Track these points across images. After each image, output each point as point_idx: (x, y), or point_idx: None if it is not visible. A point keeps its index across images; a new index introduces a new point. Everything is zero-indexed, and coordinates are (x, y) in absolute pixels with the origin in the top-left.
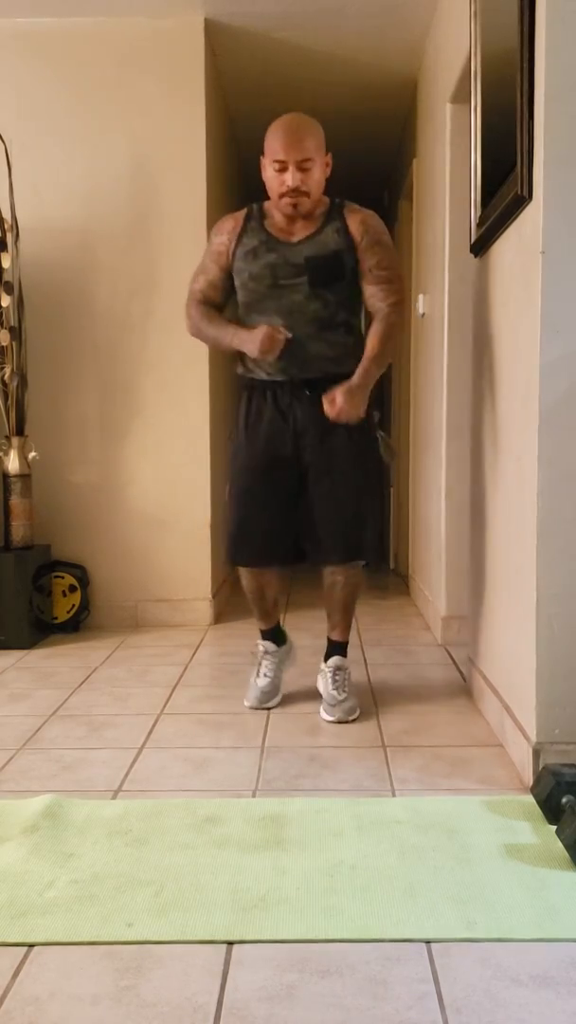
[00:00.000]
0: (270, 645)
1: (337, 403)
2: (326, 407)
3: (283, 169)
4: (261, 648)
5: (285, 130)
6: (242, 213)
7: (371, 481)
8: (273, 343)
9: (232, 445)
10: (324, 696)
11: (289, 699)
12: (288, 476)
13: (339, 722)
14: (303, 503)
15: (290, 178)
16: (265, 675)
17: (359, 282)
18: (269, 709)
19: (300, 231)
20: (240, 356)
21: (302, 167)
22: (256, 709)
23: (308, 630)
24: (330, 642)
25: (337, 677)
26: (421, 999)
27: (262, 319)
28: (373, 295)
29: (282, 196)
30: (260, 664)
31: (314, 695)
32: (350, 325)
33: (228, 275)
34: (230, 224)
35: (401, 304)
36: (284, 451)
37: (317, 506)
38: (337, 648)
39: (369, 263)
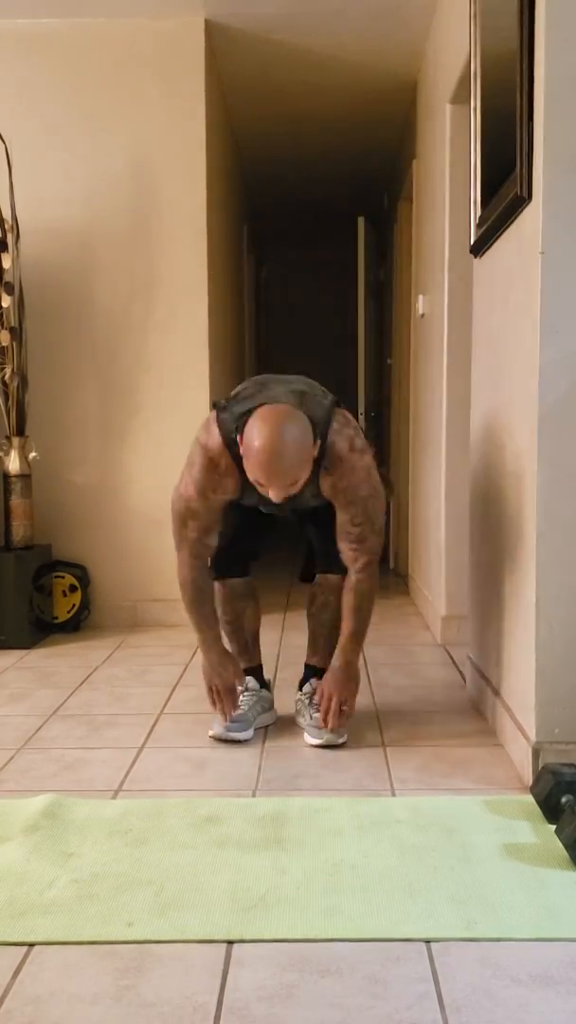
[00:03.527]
0: (251, 681)
1: (331, 723)
2: (321, 723)
3: (263, 486)
4: (240, 686)
5: (267, 462)
6: (232, 465)
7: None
8: (220, 701)
9: None
10: (306, 720)
11: (289, 699)
12: (265, 516)
13: (327, 745)
14: (304, 530)
15: (273, 495)
16: (238, 706)
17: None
18: (238, 742)
19: None
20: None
21: (288, 489)
22: (220, 740)
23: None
24: (308, 667)
25: (316, 699)
26: (421, 999)
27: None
28: (344, 552)
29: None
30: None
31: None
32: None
33: (220, 509)
34: (228, 478)
35: (371, 565)
36: (266, 518)
37: (321, 530)
38: (314, 671)
39: (342, 518)
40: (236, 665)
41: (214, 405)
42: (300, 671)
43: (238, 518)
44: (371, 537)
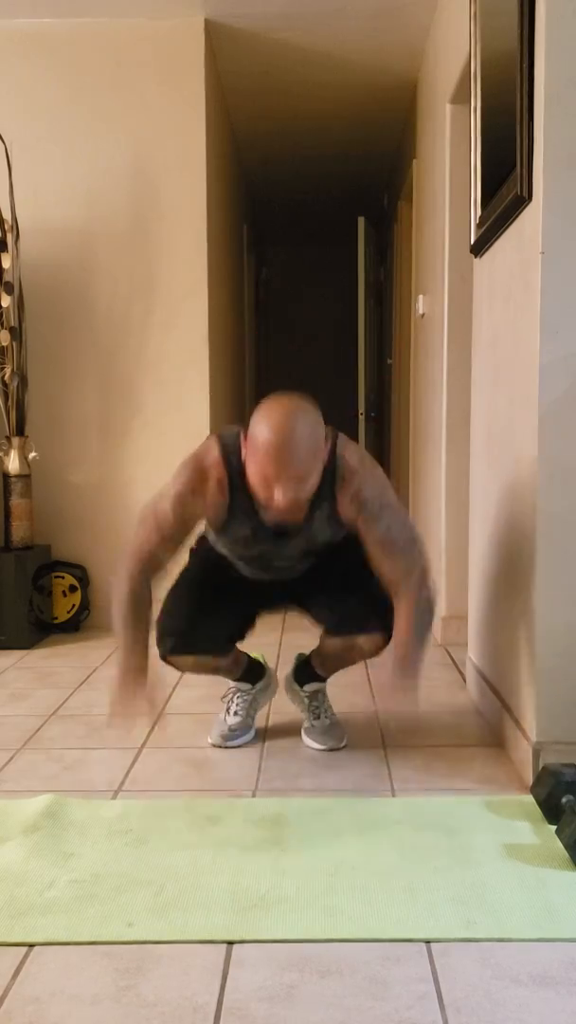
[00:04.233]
0: (243, 684)
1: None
2: (379, 700)
3: (269, 486)
4: (232, 686)
5: (277, 451)
6: (225, 481)
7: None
8: (124, 715)
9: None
10: (307, 723)
11: (288, 699)
12: (251, 593)
13: (331, 750)
14: (303, 605)
15: (280, 496)
16: (236, 713)
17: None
18: (238, 747)
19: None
20: (220, 533)
21: (296, 488)
22: (220, 747)
23: (309, 630)
24: (310, 669)
25: (315, 703)
26: (421, 999)
27: (239, 563)
28: (391, 572)
29: (267, 507)
30: (231, 701)
31: None
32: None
33: (190, 530)
34: (217, 497)
35: (428, 575)
36: (257, 595)
37: (339, 581)
38: (315, 676)
39: (375, 535)
40: (157, 688)
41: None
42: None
43: (221, 590)
44: (416, 544)
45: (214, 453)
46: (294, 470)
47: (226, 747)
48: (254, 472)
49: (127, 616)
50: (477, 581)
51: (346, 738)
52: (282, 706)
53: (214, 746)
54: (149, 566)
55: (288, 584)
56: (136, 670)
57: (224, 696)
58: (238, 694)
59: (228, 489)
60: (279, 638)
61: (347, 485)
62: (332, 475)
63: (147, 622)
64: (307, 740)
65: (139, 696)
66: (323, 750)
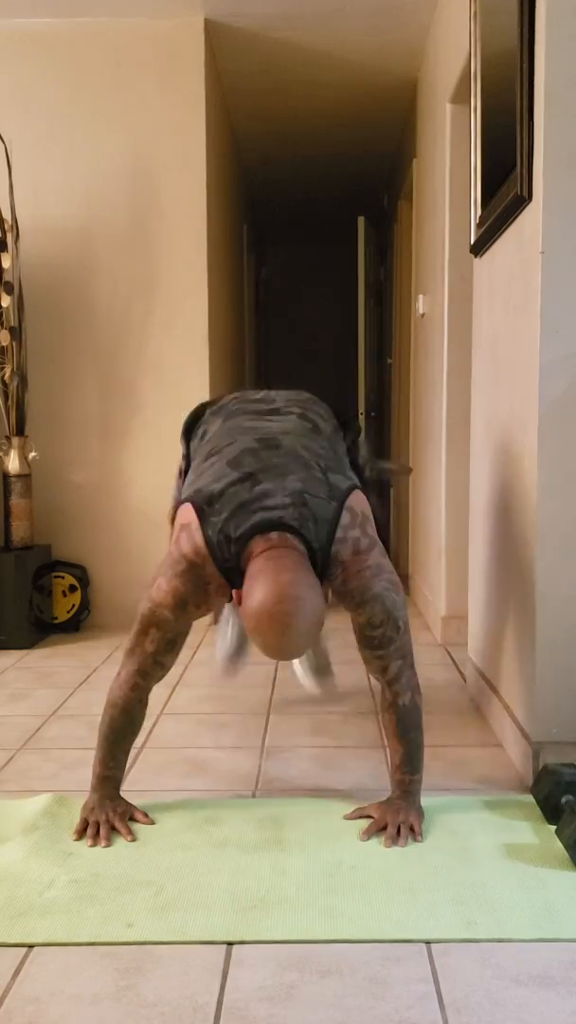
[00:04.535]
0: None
1: (400, 844)
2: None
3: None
4: (226, 609)
5: (275, 644)
6: (225, 588)
7: None
8: (94, 837)
9: None
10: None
11: (289, 700)
12: None
13: (320, 690)
14: None
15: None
16: (234, 624)
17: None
18: (242, 668)
19: None
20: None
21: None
22: (231, 665)
23: None
24: None
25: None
26: (421, 999)
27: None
28: (369, 662)
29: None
30: (226, 621)
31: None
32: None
33: (190, 628)
34: (219, 599)
35: (406, 671)
36: None
37: None
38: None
39: (358, 621)
40: (125, 806)
41: (190, 501)
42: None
43: None
44: (397, 637)
45: (201, 549)
46: (292, 655)
47: (239, 665)
48: (252, 637)
49: (116, 729)
50: (477, 581)
51: (337, 687)
52: (282, 706)
53: (225, 661)
54: (150, 672)
55: None
56: (112, 798)
57: (216, 621)
58: (233, 612)
59: (229, 586)
60: None
61: (332, 582)
62: (323, 574)
63: (132, 737)
64: (297, 671)
65: (110, 811)
66: (309, 688)
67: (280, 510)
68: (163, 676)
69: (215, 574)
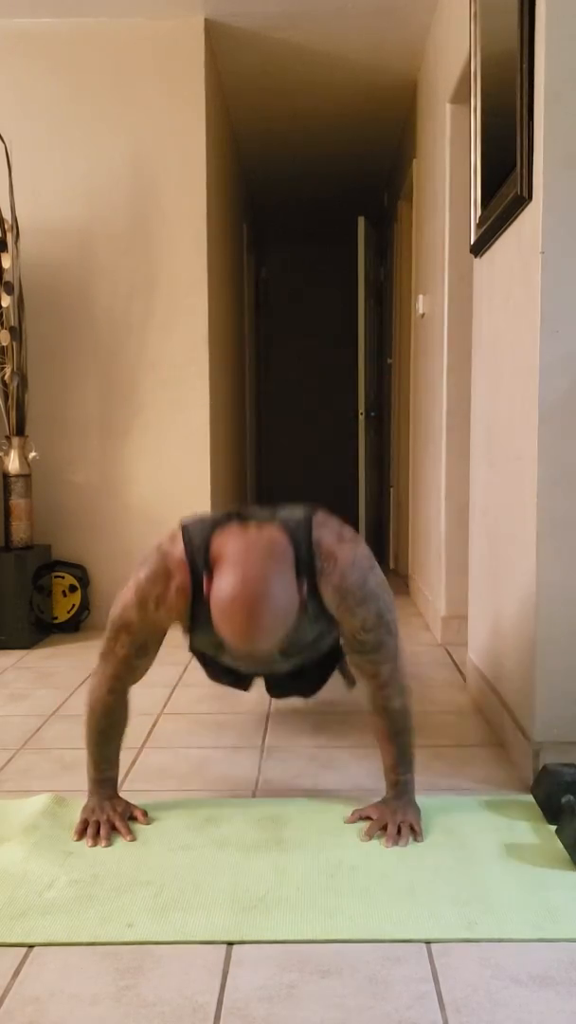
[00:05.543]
0: None
1: (402, 840)
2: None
3: (235, 646)
4: None
5: (242, 628)
6: (187, 588)
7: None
8: (94, 836)
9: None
10: None
11: (289, 700)
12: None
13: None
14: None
15: (247, 664)
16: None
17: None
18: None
19: None
20: (189, 635)
21: (265, 651)
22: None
23: None
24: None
25: None
26: (421, 999)
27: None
28: (360, 666)
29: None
30: None
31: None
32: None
33: (162, 633)
34: (178, 602)
35: (396, 674)
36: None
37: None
38: None
39: (350, 626)
40: (125, 805)
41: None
42: None
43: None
44: (388, 640)
45: (178, 551)
46: (263, 645)
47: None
48: (218, 626)
49: (102, 732)
50: (477, 581)
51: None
52: (282, 706)
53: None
54: (124, 676)
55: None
56: (110, 798)
57: None
58: None
59: (191, 596)
60: None
61: (328, 576)
62: (311, 567)
63: (120, 736)
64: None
65: (110, 811)
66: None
67: (256, 512)
68: (140, 678)
69: (181, 566)
